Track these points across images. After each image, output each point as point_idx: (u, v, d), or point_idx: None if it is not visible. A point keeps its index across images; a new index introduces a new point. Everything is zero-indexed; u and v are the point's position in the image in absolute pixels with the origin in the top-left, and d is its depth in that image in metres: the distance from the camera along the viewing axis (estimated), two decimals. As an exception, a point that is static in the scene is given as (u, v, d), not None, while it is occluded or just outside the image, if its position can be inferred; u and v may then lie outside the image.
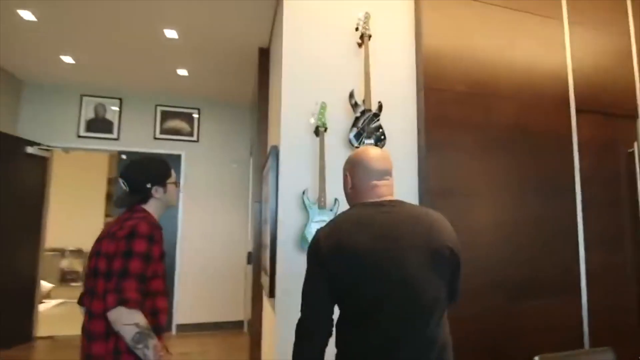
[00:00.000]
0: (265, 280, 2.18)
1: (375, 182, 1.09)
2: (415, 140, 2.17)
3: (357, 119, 2.00)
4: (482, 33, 2.30)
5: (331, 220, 1.09)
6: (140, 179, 1.36)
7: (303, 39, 2.04)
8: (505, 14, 2.38)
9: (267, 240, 2.18)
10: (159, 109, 4.29)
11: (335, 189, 1.91)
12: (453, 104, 2.18)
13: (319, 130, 1.93)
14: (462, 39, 2.25)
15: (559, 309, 2.20)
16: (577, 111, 2.44)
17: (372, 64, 2.05)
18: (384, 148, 1.98)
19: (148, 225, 1.23)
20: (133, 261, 1.15)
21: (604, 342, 2.22)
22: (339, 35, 2.11)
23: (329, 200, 1.89)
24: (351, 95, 2.01)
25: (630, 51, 2.70)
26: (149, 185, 1.35)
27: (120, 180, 1.37)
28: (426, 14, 2.20)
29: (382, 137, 2.02)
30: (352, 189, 1.13)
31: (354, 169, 1.12)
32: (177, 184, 1.46)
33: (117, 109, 4.16)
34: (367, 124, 2.00)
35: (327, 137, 1.94)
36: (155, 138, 4.24)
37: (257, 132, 2.92)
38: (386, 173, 1.12)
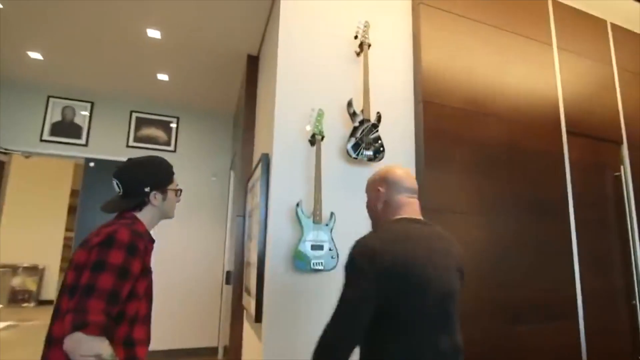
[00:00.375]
0: (249, 303, 1.96)
1: (408, 198, 1.11)
2: (411, 154, 2.08)
3: (355, 129, 1.88)
4: (479, 52, 2.29)
5: (377, 233, 1.04)
6: (138, 180, 1.16)
7: (299, 44, 1.94)
8: (500, 36, 2.39)
9: (252, 257, 1.98)
10: (135, 115, 4.03)
11: (331, 202, 1.77)
12: (450, 120, 2.13)
13: (315, 139, 1.80)
14: (459, 56, 2.23)
15: (557, 332, 2.12)
16: (568, 133, 2.45)
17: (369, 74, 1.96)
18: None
19: (129, 233, 1.02)
20: (103, 275, 0.93)
21: (601, 371, 2.15)
22: (336, 43, 2.03)
23: (325, 214, 1.73)
24: (349, 104, 1.90)
25: (614, 79, 2.78)
26: (147, 189, 1.15)
27: (114, 181, 1.15)
28: (424, 29, 2.17)
29: (381, 148, 1.91)
30: (385, 205, 1.11)
31: (388, 185, 1.11)
32: (178, 192, 1.26)
33: (87, 113, 3.88)
34: (365, 135, 1.89)
35: (322, 147, 1.81)
36: (129, 146, 3.96)
37: (242, 142, 2.75)
38: (415, 191, 1.14)
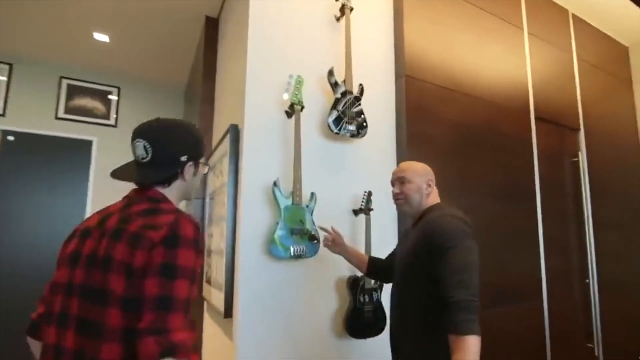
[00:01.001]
0: (213, 295, 1.72)
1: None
2: (392, 132, 1.95)
3: (337, 101, 1.69)
4: (458, 30, 2.22)
5: (455, 211, 1.17)
6: (175, 145, 0.89)
7: (272, 5, 1.70)
8: (479, 15, 2.33)
9: (217, 244, 1.74)
10: (65, 82, 3.45)
11: (310, 181, 1.58)
12: (431, 98, 2.03)
13: (293, 109, 1.58)
14: (440, 32, 2.14)
15: (524, 314, 2.15)
16: (536, 119, 2.48)
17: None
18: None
19: (193, 225, 0.80)
20: (178, 282, 0.72)
21: (562, 349, 2.24)
22: (313, 5, 1.81)
23: (305, 194, 1.54)
24: (331, 73, 1.70)
25: (573, 68, 2.87)
26: (183, 158, 0.89)
27: (142, 143, 0.86)
28: (407, 5, 2.02)
29: (364, 124, 1.75)
30: (432, 192, 1.26)
31: (433, 176, 1.29)
32: (208, 168, 1.01)
33: (4, 78, 3.24)
34: (348, 108, 1.71)
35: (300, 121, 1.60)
36: (58, 118, 3.39)
37: (199, 115, 2.44)
38: None
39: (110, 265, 0.74)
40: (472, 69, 2.21)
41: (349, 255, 1.44)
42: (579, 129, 2.78)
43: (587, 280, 2.51)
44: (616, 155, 3.00)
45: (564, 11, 2.93)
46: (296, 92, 1.58)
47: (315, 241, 1.49)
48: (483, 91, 2.24)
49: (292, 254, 1.43)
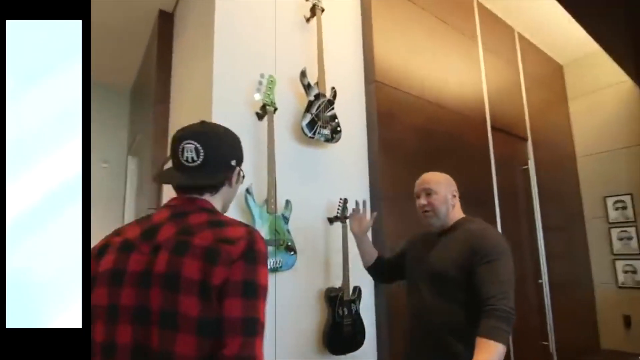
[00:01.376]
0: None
1: None
2: (363, 137, 1.91)
3: (310, 104, 1.61)
4: (423, 40, 2.28)
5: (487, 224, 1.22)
6: (226, 148, 0.81)
7: (238, 2, 1.59)
8: (443, 28, 2.42)
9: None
10: (-14, 77, 3.00)
11: (284, 187, 1.47)
12: (401, 104, 2.05)
13: (265, 110, 1.47)
14: (407, 41, 2.18)
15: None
16: (492, 128, 2.60)
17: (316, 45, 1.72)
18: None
19: (263, 240, 0.74)
20: (260, 303, 0.67)
21: (522, 349, 2.32)
22: (281, 5, 1.73)
23: (280, 202, 1.43)
24: (303, 74, 1.62)
25: (520, 82, 3.07)
26: (233, 162, 0.82)
27: (193, 145, 0.76)
28: (375, 6, 2.02)
29: (338, 128, 1.69)
30: (455, 202, 1.25)
31: (455, 186, 1.29)
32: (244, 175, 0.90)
33: None
34: (322, 111, 1.63)
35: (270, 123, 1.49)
36: (-25, 118, 2.93)
37: (153, 118, 2.22)
38: None
39: (177, 284, 0.63)
40: (435, 78, 2.26)
41: (364, 240, 1.41)
42: (527, 139, 2.97)
43: (540, 281, 2.66)
44: (557, 163, 3.25)
45: (511, 29, 3.14)
46: (268, 93, 1.48)
47: (292, 252, 1.38)
48: (446, 100, 2.29)
49: (268, 266, 1.30)
